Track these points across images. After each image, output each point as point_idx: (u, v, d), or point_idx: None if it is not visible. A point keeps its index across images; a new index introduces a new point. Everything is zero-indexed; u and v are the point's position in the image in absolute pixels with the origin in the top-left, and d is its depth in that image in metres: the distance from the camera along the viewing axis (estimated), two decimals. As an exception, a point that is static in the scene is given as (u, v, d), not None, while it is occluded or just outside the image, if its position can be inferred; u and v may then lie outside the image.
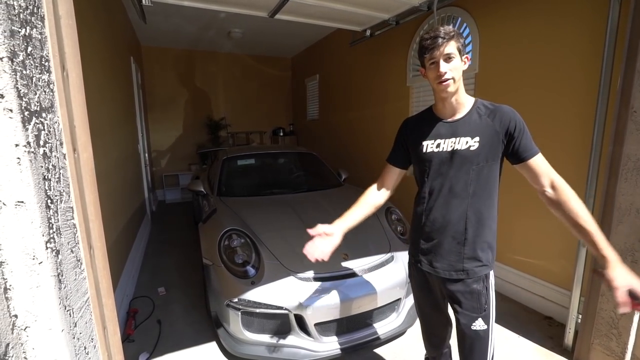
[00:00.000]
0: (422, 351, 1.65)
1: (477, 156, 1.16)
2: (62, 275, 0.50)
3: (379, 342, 1.99)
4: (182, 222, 4.84)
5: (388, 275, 2.03)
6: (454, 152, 1.19)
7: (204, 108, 6.49)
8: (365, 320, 1.98)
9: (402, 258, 2.15)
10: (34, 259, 0.46)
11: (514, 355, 2.03)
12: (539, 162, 1.14)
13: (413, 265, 1.39)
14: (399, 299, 2.07)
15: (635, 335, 1.76)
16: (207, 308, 2.27)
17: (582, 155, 2.10)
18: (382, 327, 2.00)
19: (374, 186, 1.45)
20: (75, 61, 0.59)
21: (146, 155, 4.85)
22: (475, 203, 1.19)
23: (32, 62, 0.45)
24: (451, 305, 1.28)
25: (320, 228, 1.28)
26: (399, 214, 2.66)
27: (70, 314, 0.52)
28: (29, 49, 0.45)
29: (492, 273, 1.24)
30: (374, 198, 1.41)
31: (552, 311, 2.37)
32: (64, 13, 0.55)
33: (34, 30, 0.46)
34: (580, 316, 2.01)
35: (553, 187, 1.13)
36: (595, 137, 1.91)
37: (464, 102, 1.21)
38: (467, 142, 1.16)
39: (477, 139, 1.15)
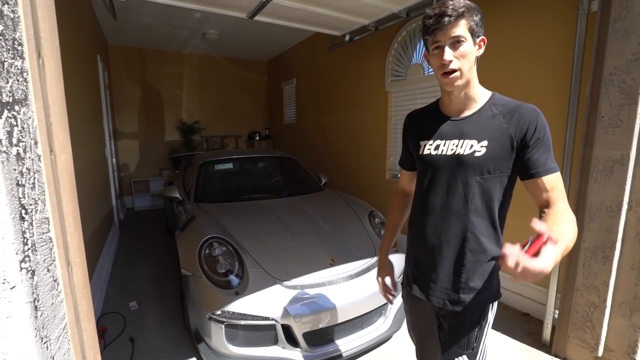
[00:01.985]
0: (410, 355, 1.63)
1: (482, 165, 0.93)
2: (38, 301, 0.42)
3: (367, 347, 1.96)
4: (153, 230, 4.58)
5: (375, 279, 2.00)
6: (455, 158, 0.97)
7: (176, 111, 6.24)
8: (353, 326, 1.94)
9: (387, 262, 2.14)
10: (4, 283, 0.37)
11: (496, 353, 2.07)
12: (550, 183, 0.89)
13: (404, 287, 1.20)
14: (386, 303, 2.05)
15: (607, 327, 1.85)
16: (186, 321, 2.13)
17: (555, 157, 2.20)
18: (370, 333, 1.97)
19: (395, 204, 1.33)
20: (53, 48, 0.50)
21: (114, 159, 4.56)
22: (476, 222, 0.96)
23: (3, 44, 0.38)
24: (439, 331, 1.10)
25: (379, 282, 1.32)
26: (381, 217, 2.66)
27: (47, 346, 0.43)
28: (0, 27, 0.37)
29: (494, 305, 1.03)
30: (398, 219, 1.32)
31: (530, 308, 2.45)
32: (40, -8, 0.47)
33: (6, 6, 0.39)
34: (556, 312, 2.09)
35: (550, 214, 0.87)
36: (567, 140, 2.01)
37: (476, 97, 0.98)
38: (471, 147, 0.94)
39: (484, 143, 0.93)
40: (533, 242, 0.69)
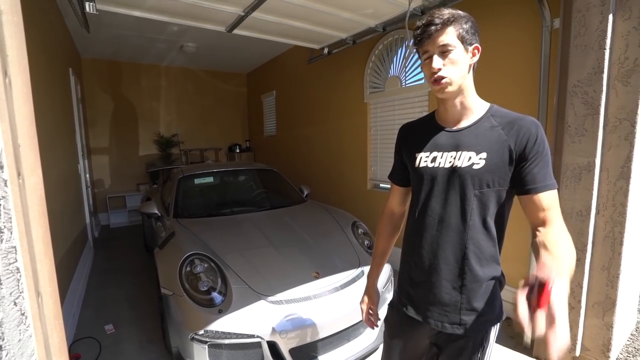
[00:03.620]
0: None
1: (481, 177, 0.89)
2: (3, 340, 0.39)
3: (354, 361, 1.94)
4: (130, 248, 4.40)
5: (360, 290, 1.99)
6: (452, 170, 0.92)
7: (154, 124, 6.10)
8: (339, 339, 1.92)
9: (372, 272, 2.14)
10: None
11: None
12: (547, 200, 0.86)
13: (395, 307, 1.12)
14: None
15: (583, 327, 1.92)
16: (167, 344, 2.04)
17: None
18: (356, 345, 1.95)
19: (382, 228, 1.22)
20: (22, 66, 0.48)
21: (87, 175, 4.39)
22: (476, 239, 0.91)
23: (-33, 67, 0.36)
24: (438, 356, 1.06)
25: (364, 309, 1.25)
26: (365, 227, 2.68)
27: (14, 387, 0.40)
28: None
29: (497, 327, 0.99)
30: (387, 244, 1.23)
31: (511, 312, 2.51)
32: (7, 8, 0.45)
33: (-30, 28, 0.37)
34: (536, 315, 2.15)
35: (546, 235, 0.84)
36: (538, 148, 2.11)
37: (472, 107, 0.94)
38: (469, 159, 0.90)
39: (483, 155, 0.89)
40: (539, 294, 0.64)
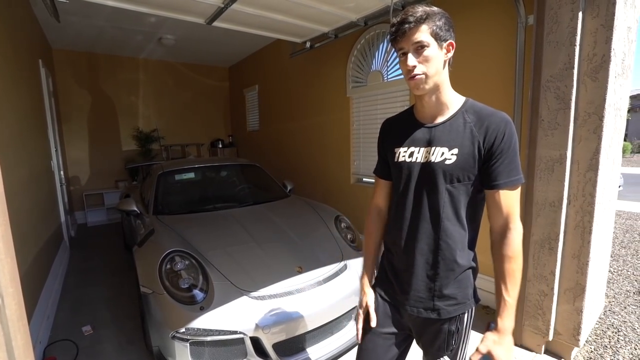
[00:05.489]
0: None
1: (452, 172, 0.93)
2: (-41, 341, 0.37)
3: (338, 353, 1.96)
4: (109, 247, 4.27)
5: (343, 284, 2.02)
6: (426, 165, 0.96)
7: (132, 119, 5.91)
8: (323, 333, 1.93)
9: (354, 266, 2.17)
10: None
11: (461, 347, 2.16)
12: (509, 197, 0.92)
13: (375, 291, 1.14)
14: (355, 307, 2.07)
15: (555, 313, 2.01)
16: (147, 343, 2.00)
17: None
18: (340, 338, 1.97)
19: (371, 218, 1.19)
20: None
21: (61, 172, 4.21)
22: (449, 231, 0.96)
23: None
24: (416, 341, 1.12)
25: (364, 311, 1.11)
26: (347, 221, 2.70)
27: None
28: None
29: (472, 311, 1.03)
30: (377, 243, 1.18)
31: (488, 300, 2.59)
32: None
33: None
34: (512, 302, 2.23)
35: (502, 233, 0.94)
36: (514, 142, 2.17)
37: (448, 102, 0.97)
38: (442, 154, 0.94)
39: (455, 151, 0.93)
40: None
